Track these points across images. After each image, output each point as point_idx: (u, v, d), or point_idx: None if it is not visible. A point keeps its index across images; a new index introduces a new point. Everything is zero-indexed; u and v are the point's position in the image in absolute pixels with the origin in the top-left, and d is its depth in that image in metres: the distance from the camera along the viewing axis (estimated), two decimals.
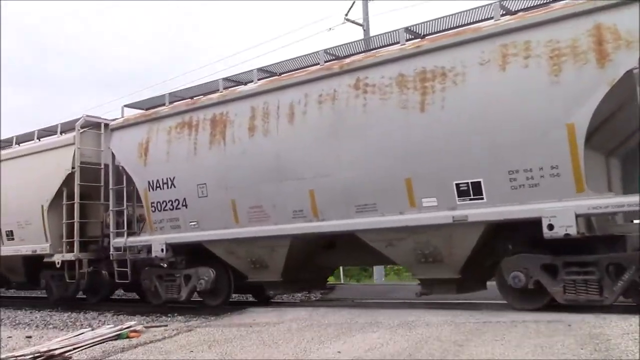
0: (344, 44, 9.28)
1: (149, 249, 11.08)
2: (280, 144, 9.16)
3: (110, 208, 11.87)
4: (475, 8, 8.04)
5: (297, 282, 10.42)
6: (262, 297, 11.88)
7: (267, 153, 9.28)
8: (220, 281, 10.58)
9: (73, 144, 12.29)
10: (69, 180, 12.20)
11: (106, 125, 12.46)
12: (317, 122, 8.81)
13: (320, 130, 8.76)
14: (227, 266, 10.48)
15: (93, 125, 12.62)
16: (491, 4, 7.82)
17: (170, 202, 10.68)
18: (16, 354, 6.72)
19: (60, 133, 13.07)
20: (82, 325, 9.46)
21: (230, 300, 11.34)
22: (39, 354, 6.58)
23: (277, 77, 9.81)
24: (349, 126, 8.47)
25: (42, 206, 12.64)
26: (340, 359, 5.49)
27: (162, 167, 10.73)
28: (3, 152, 14.11)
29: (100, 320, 9.93)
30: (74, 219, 12.15)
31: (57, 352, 6.70)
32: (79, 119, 12.46)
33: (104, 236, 12.39)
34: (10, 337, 8.47)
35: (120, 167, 11.71)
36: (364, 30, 19.91)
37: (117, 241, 11.63)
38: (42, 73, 63.67)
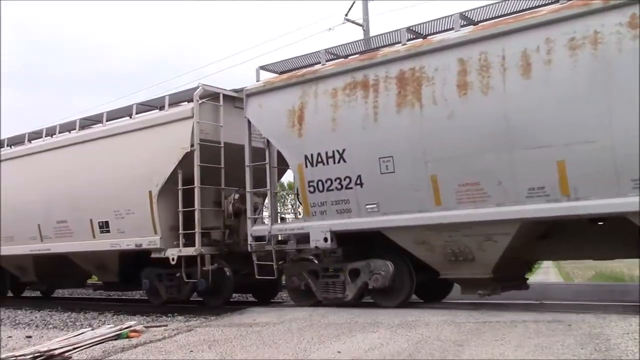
0: None
1: (300, 238, 9.44)
2: (510, 103, 7.42)
3: (248, 189, 10.09)
4: None
5: (504, 280, 8.39)
6: (264, 297, 11.78)
7: (489, 115, 7.55)
8: (399, 277, 8.76)
9: (191, 117, 10.37)
10: (185, 160, 10.36)
11: (226, 96, 10.77)
12: (570, 75, 7.05)
13: (575, 85, 7.02)
14: (408, 259, 8.73)
15: (210, 96, 10.69)
16: None
17: (338, 181, 8.87)
18: (16, 353, 6.71)
19: (169, 106, 11.08)
20: (82, 325, 9.46)
21: (230, 300, 11.34)
22: (39, 354, 6.58)
23: (493, 21, 8.11)
24: (622, 79, 6.71)
25: (151, 192, 10.73)
26: (340, 359, 5.49)
27: (326, 138, 8.96)
28: (93, 129, 12.37)
29: (100, 320, 9.92)
30: (191, 206, 10.34)
31: (57, 352, 6.69)
32: (195, 88, 10.59)
33: (226, 227, 10.81)
34: (10, 337, 8.47)
35: (264, 141, 9.92)
36: (364, 30, 19.93)
37: (258, 229, 9.96)
38: (42, 73, 63.71)
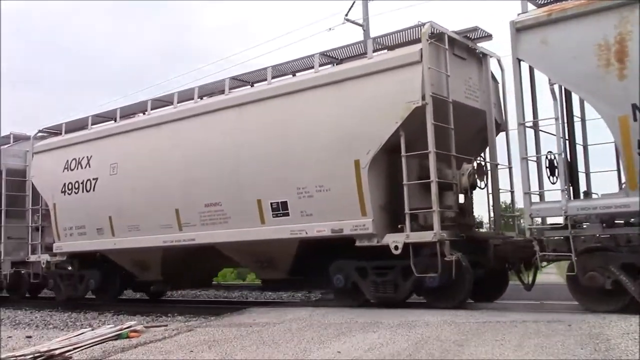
0: None
1: (609, 219, 7.16)
2: None
3: (522, 156, 7.81)
4: None
5: None
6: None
7: None
8: None
9: (418, 62, 8.25)
10: (409, 120, 8.27)
11: (450, 40, 8.65)
12: None
13: None
14: None
15: (436, 37, 8.59)
16: None
17: None
18: (16, 354, 6.72)
19: (374, 52, 9.03)
20: (82, 325, 9.47)
21: (230, 300, 11.34)
22: (39, 354, 6.58)
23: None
24: None
25: (358, 162, 8.53)
26: (340, 359, 5.49)
27: None
28: (257, 88, 10.17)
29: (100, 320, 9.94)
30: (425, 179, 8.29)
31: (57, 352, 6.69)
32: (422, 24, 8.56)
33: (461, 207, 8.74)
34: (10, 337, 8.48)
35: (551, 88, 7.57)
36: (364, 30, 19.91)
37: (543, 208, 7.65)
38: (42, 73, 63.71)
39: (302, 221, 9.07)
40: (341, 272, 8.95)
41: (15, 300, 14.22)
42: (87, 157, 12.27)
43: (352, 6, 20.24)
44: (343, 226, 8.71)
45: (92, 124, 12.72)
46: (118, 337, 7.47)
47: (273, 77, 9.95)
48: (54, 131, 13.74)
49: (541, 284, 8.61)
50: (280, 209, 9.29)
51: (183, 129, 10.68)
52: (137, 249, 11.41)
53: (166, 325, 8.52)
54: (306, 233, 9.05)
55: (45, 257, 13.23)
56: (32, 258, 13.59)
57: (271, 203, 9.36)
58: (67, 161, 12.62)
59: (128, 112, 12.31)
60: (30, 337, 8.41)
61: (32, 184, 13.57)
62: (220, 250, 10.35)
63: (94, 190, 12.01)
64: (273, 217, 9.35)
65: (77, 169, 12.43)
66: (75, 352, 6.74)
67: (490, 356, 5.10)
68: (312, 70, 9.64)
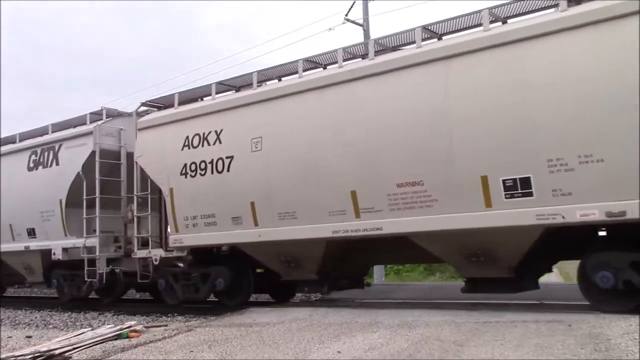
0: None
1: None
2: None
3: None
4: None
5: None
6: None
7: None
8: None
9: None
10: None
11: None
12: None
13: None
14: None
15: None
16: None
17: None
18: (16, 354, 6.72)
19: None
20: (82, 325, 9.47)
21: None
22: (39, 354, 6.58)
23: None
24: None
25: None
26: (340, 359, 5.49)
27: None
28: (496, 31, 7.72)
29: (100, 320, 9.93)
30: None
31: (57, 352, 6.70)
32: None
33: None
34: (10, 337, 8.48)
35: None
36: (364, 30, 19.91)
37: None
38: (41, 73, 63.74)
39: (554, 202, 7.05)
40: (609, 269, 6.99)
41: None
42: (216, 131, 10.07)
43: (352, 6, 20.25)
44: (627, 208, 6.61)
45: (217, 93, 10.51)
46: (118, 337, 7.48)
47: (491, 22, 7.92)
48: (160, 104, 11.70)
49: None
50: (519, 188, 7.30)
51: (360, 90, 8.64)
52: (291, 242, 9.25)
53: (166, 325, 8.53)
54: (563, 217, 6.98)
55: (159, 253, 11.02)
56: (141, 254, 11.30)
57: (503, 180, 7.39)
58: (188, 137, 10.43)
59: (265, 77, 10.19)
60: (30, 337, 8.41)
61: (140, 167, 11.30)
62: (417, 243, 8.38)
63: (227, 170, 9.84)
64: (506, 198, 7.35)
65: (202, 146, 10.24)
66: (75, 352, 6.75)
67: (490, 356, 5.10)
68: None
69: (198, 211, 10.23)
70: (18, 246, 13.45)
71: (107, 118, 12.63)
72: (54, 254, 12.60)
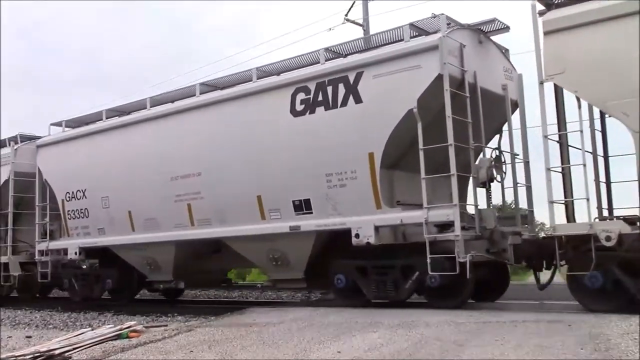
0: None
1: None
2: None
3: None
4: None
5: None
6: None
7: None
8: None
9: None
10: None
11: None
12: None
13: None
14: None
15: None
16: None
17: None
18: (16, 354, 6.72)
19: None
20: (82, 325, 9.47)
21: (230, 300, 11.33)
22: (39, 354, 6.58)
23: None
24: None
25: None
26: (340, 359, 5.49)
27: None
28: None
29: (100, 320, 9.93)
30: None
31: (57, 352, 6.70)
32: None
33: None
34: (10, 337, 8.48)
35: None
36: (364, 30, 19.91)
37: None
38: (41, 73, 63.76)
39: None
40: None
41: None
42: None
43: (352, 6, 20.25)
44: None
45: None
46: (118, 337, 7.47)
47: None
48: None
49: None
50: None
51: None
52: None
53: (166, 325, 8.52)
54: None
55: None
56: None
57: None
58: None
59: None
60: (30, 337, 8.41)
61: None
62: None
63: None
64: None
65: None
66: (75, 352, 6.74)
67: (490, 356, 5.10)
68: None
69: None
70: (273, 227, 9.58)
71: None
72: (356, 235, 8.63)
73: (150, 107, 11.67)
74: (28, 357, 6.53)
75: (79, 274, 13.28)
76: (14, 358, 6.54)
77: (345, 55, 9.49)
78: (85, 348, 6.92)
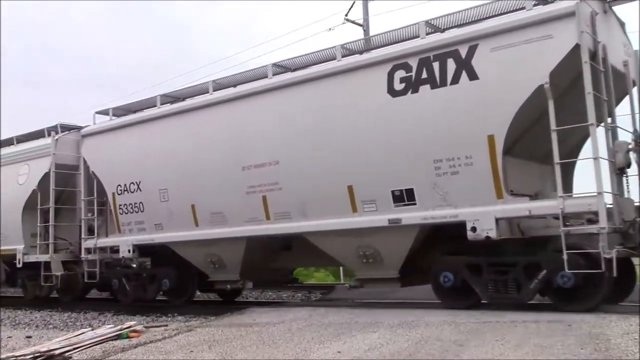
0: None
1: None
2: None
3: None
4: None
5: None
6: None
7: None
8: None
9: None
10: None
11: None
12: None
13: None
14: None
15: None
16: None
17: None
18: (16, 354, 6.72)
19: None
20: (82, 325, 9.47)
21: (229, 300, 11.26)
22: (39, 354, 6.58)
23: None
24: None
25: None
26: (340, 359, 5.49)
27: None
28: None
29: (100, 320, 9.94)
30: None
31: (57, 352, 6.70)
32: None
33: None
34: (10, 337, 8.48)
35: None
36: (364, 30, 19.92)
37: None
38: (41, 73, 63.74)
39: None
40: None
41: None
42: None
43: (352, 6, 20.26)
44: None
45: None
46: (118, 337, 7.47)
47: None
48: None
49: None
50: None
51: None
52: None
53: (166, 325, 8.53)
54: None
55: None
56: None
57: None
58: None
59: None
60: (30, 337, 8.41)
61: None
62: None
63: None
64: None
65: None
66: (75, 352, 6.75)
67: (490, 356, 5.10)
68: None
69: None
70: (369, 220, 8.66)
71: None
72: (473, 228, 7.67)
73: (213, 91, 10.69)
74: (28, 357, 6.53)
75: (130, 273, 12.00)
76: (14, 358, 6.54)
77: (443, 30, 8.53)
78: (86, 348, 6.92)
